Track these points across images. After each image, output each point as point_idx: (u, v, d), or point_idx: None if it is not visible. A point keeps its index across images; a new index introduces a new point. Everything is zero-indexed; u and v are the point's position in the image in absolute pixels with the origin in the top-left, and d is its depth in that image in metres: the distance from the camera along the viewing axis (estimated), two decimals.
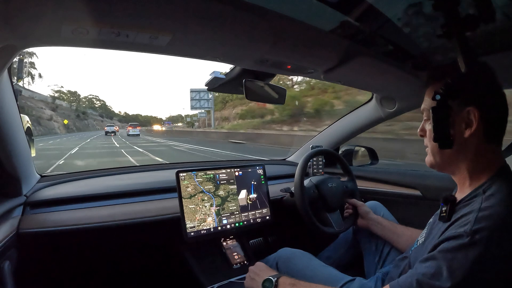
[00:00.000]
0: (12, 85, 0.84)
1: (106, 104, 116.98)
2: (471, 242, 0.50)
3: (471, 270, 0.49)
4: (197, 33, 0.69)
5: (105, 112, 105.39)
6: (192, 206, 1.07)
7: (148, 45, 0.71)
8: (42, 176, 1.15)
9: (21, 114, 0.92)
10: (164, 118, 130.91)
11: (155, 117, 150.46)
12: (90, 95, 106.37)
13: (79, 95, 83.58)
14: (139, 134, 30.33)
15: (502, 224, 0.51)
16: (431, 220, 0.72)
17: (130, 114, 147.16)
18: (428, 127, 0.65)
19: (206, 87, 1.14)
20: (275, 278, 0.77)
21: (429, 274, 0.52)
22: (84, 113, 71.42)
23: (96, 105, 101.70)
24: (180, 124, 77.74)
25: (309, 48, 0.84)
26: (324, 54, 0.89)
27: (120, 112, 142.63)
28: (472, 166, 0.60)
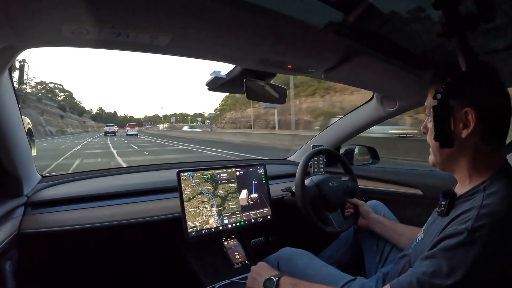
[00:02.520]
0: (13, 86, 0.84)
1: (73, 96, 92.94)
2: (471, 239, 0.50)
3: (472, 268, 0.49)
4: (197, 33, 0.69)
5: (70, 106, 76.37)
6: (192, 209, 1.06)
7: (148, 45, 0.71)
8: (43, 177, 1.16)
9: (22, 116, 0.92)
10: (141, 118, 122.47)
11: (132, 116, 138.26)
12: (51, 83, 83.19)
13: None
14: (137, 134, 31.13)
15: (503, 222, 0.51)
16: (430, 217, 0.71)
17: (106, 111, 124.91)
18: (430, 125, 0.65)
19: (207, 87, 1.14)
20: (276, 278, 0.77)
21: (429, 272, 0.52)
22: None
23: (60, 97, 78.86)
24: (166, 125, 65.78)
25: (310, 48, 0.84)
26: (324, 53, 0.89)
27: (91, 109, 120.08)
28: (472, 165, 0.60)
